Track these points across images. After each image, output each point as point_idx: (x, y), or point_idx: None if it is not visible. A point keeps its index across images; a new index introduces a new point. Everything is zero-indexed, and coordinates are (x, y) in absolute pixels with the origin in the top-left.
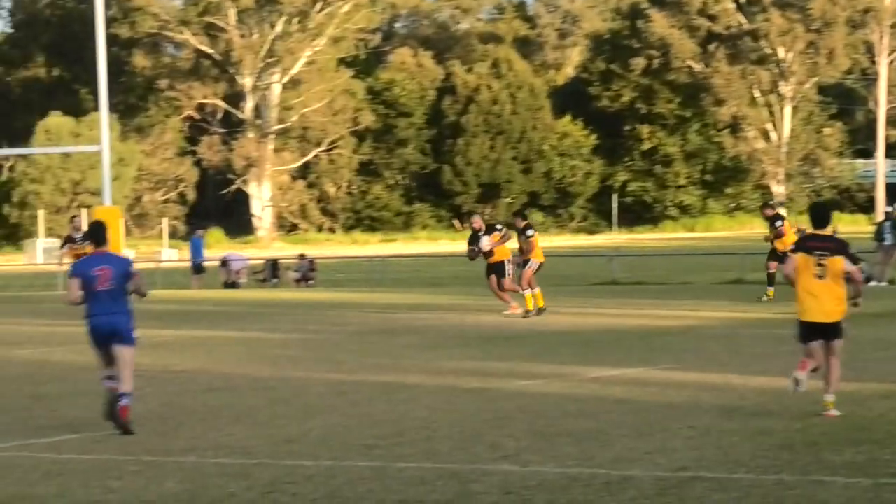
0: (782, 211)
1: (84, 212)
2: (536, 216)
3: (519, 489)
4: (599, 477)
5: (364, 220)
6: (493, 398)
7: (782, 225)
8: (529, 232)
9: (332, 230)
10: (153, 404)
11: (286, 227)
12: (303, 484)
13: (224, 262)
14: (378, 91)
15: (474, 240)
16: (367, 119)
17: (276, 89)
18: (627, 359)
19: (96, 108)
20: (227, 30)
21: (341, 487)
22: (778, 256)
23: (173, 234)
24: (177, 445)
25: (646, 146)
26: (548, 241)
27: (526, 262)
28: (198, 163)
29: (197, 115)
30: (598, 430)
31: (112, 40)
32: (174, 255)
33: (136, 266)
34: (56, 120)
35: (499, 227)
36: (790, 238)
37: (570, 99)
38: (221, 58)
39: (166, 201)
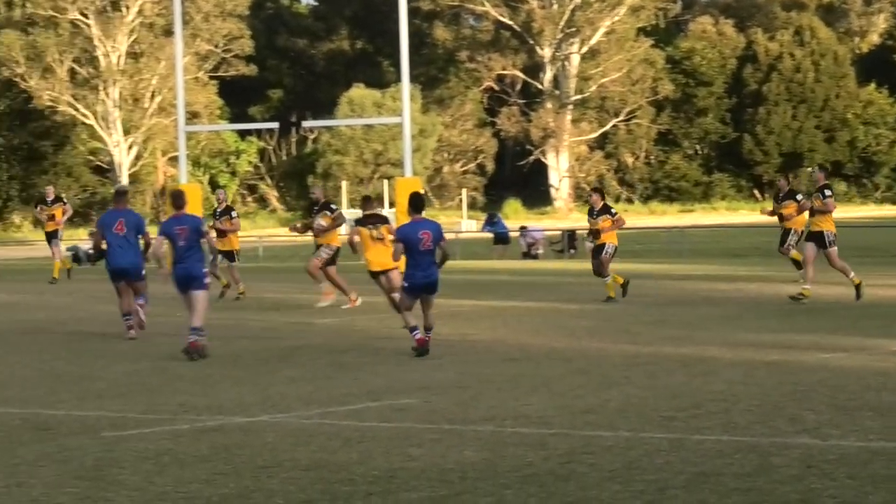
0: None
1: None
2: (839, 186)
3: (819, 463)
4: None
5: (662, 191)
6: (793, 371)
7: (803, 200)
8: (613, 212)
9: (629, 200)
10: (452, 373)
11: (584, 197)
12: (600, 454)
13: (522, 233)
14: (678, 60)
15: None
16: (666, 89)
17: (575, 59)
18: None
19: (398, 80)
20: (527, 0)
21: (639, 459)
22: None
23: (472, 205)
24: (475, 414)
25: None
26: (851, 211)
27: (601, 246)
28: (496, 134)
29: (496, 87)
30: None
31: (414, 13)
32: (473, 226)
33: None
34: (359, 92)
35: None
36: (802, 218)
37: (875, 66)
38: (521, 29)
39: (465, 172)
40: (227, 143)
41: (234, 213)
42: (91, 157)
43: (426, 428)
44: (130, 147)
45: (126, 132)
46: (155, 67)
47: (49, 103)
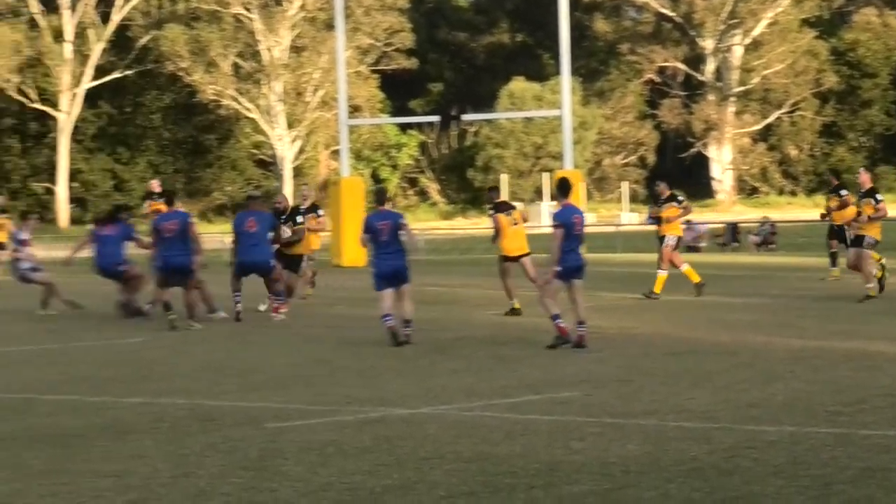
0: None
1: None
2: None
3: None
4: None
5: (826, 183)
6: None
7: (847, 195)
8: (679, 200)
9: (793, 193)
10: (613, 366)
11: (746, 190)
12: (765, 449)
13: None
14: (842, 52)
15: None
16: (831, 80)
17: (738, 51)
18: None
19: (558, 73)
20: None
21: (804, 454)
22: (837, 233)
23: (633, 198)
24: (637, 408)
25: None
26: None
27: (662, 237)
28: (657, 126)
29: (657, 79)
30: None
31: (574, 5)
32: (634, 219)
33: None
34: (519, 85)
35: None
36: (851, 211)
37: None
38: (682, 20)
39: (626, 165)
40: (388, 136)
41: (320, 212)
42: (255, 151)
43: (588, 421)
44: (293, 140)
45: (289, 126)
46: (317, 61)
47: (213, 97)
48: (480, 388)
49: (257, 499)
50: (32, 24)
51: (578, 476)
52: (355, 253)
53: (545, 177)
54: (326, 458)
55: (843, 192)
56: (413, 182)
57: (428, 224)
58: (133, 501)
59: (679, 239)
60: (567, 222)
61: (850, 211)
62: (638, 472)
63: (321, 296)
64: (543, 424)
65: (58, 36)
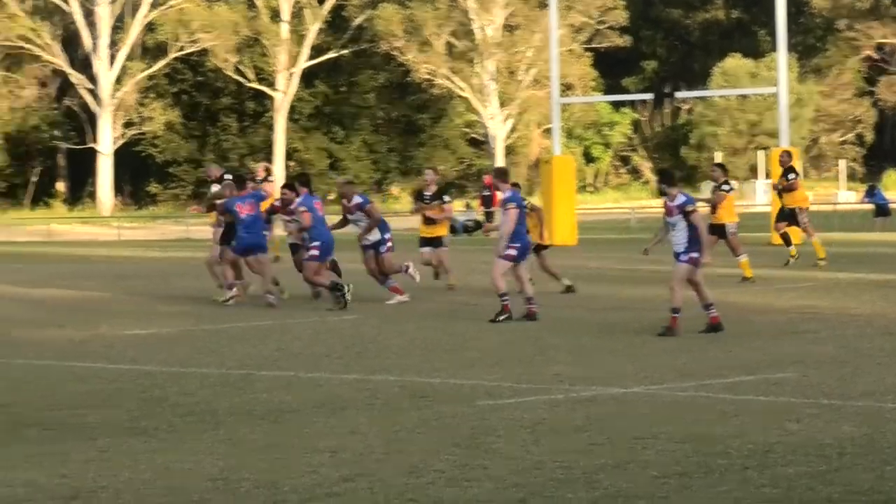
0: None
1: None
2: None
3: None
4: None
5: None
6: None
7: (796, 178)
8: (726, 187)
9: None
10: (830, 347)
11: None
12: None
13: None
14: None
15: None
16: None
17: None
18: None
19: (774, 50)
20: None
21: None
22: (786, 216)
23: (851, 177)
24: (854, 389)
25: None
26: None
27: (721, 226)
28: (875, 103)
29: (876, 55)
30: None
31: None
32: (851, 198)
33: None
34: (734, 62)
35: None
36: (801, 194)
37: None
38: None
39: (843, 143)
40: (600, 114)
41: (446, 198)
42: (467, 130)
43: (803, 402)
44: (506, 119)
45: (501, 104)
46: (530, 40)
47: (426, 76)
48: (693, 368)
49: (469, 476)
50: (250, 4)
51: (793, 457)
52: (567, 231)
53: (760, 154)
54: (538, 436)
55: (791, 176)
56: (625, 160)
57: (640, 202)
58: (347, 477)
59: (737, 224)
60: (520, 204)
61: (802, 193)
62: (854, 453)
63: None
64: (757, 405)
65: (275, 16)
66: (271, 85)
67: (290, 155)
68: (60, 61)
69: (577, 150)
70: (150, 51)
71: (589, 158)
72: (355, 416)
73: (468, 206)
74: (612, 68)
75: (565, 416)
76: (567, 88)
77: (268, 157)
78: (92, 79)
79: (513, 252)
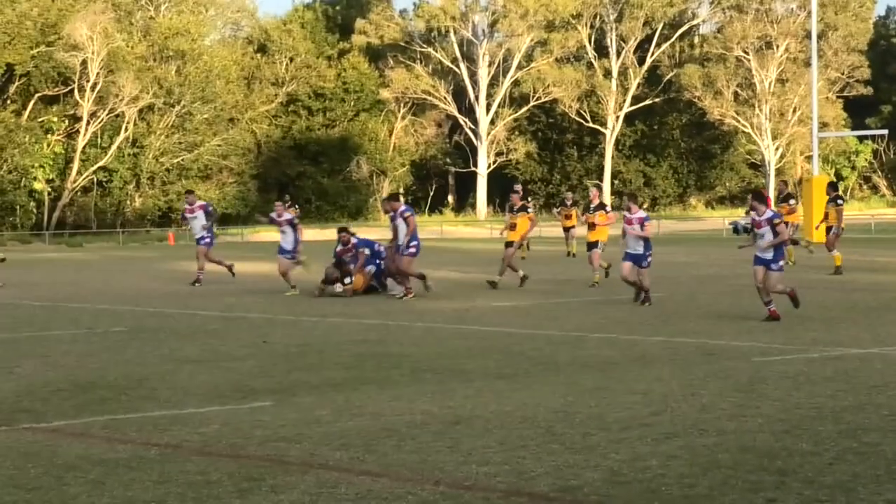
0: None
1: None
2: None
3: None
4: None
5: None
6: None
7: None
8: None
9: None
10: None
11: None
12: None
13: None
14: None
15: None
16: None
17: None
18: None
19: None
20: None
21: None
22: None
23: None
24: None
25: None
26: None
27: (830, 228)
28: None
29: None
30: None
31: None
32: None
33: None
34: None
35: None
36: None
37: None
38: None
39: None
40: (848, 145)
41: (607, 209)
42: (748, 156)
43: None
44: (777, 149)
45: (773, 138)
46: (796, 90)
47: (718, 117)
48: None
49: (746, 413)
50: (589, 65)
51: None
52: (820, 232)
53: None
54: (798, 384)
55: (793, 202)
56: (867, 179)
57: (877, 210)
58: (654, 412)
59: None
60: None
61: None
62: None
63: (801, 257)
64: None
65: (607, 74)
66: (603, 124)
67: (615, 175)
68: (452, 108)
69: (830, 172)
70: (515, 100)
71: (839, 178)
72: (661, 368)
73: (747, 212)
74: (857, 111)
75: (819, 369)
76: (823, 126)
77: (598, 177)
78: (474, 121)
79: (781, 263)
